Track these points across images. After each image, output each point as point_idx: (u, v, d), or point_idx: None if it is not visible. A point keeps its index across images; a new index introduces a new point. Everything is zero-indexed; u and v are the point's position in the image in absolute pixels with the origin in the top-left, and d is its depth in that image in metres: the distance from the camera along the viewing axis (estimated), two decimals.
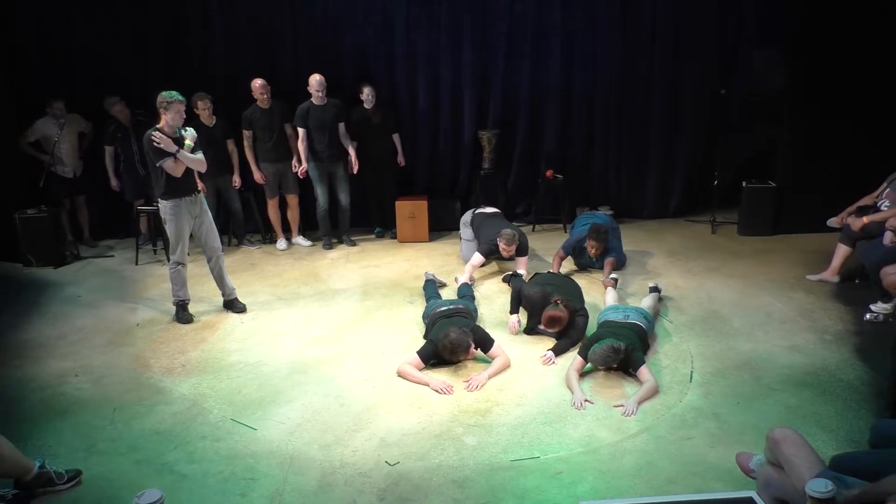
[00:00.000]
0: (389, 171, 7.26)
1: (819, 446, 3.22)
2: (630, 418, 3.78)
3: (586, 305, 4.95)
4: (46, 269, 6.56)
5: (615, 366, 4.17)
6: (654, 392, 4.01)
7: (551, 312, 4.60)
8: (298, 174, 6.92)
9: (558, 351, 4.52)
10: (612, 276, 5.64)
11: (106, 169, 6.97)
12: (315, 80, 6.67)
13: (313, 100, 6.75)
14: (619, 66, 7.33)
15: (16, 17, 6.73)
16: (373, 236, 7.43)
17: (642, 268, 6.20)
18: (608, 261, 5.78)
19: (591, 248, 5.85)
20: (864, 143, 6.35)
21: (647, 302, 5.04)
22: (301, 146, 6.82)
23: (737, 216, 7.14)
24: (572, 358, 4.36)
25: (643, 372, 4.09)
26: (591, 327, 4.76)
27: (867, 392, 3.96)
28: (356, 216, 7.38)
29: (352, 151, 6.96)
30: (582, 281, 5.71)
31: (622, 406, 3.89)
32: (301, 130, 6.78)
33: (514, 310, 4.97)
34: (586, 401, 4.02)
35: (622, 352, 4.11)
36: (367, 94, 6.88)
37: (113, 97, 6.76)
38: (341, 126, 6.90)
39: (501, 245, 5.76)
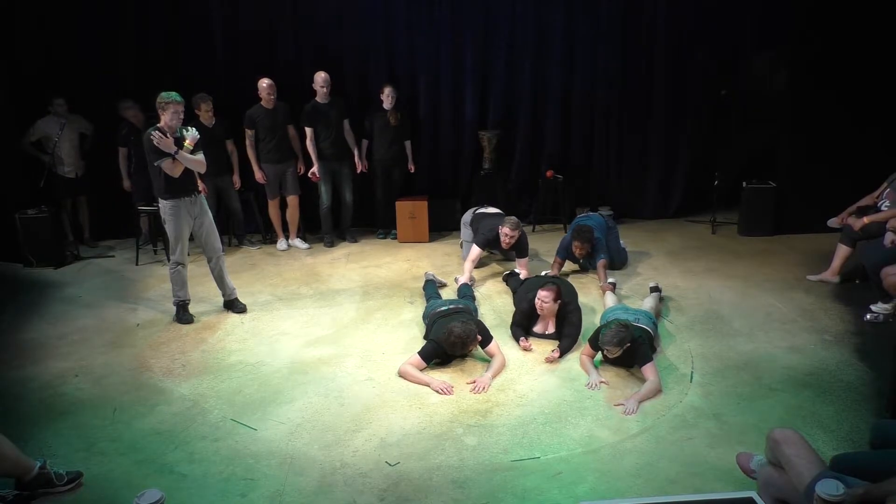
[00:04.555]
0: (400, 176, 7.27)
1: (819, 446, 3.22)
2: (630, 417, 3.78)
3: (583, 308, 4.94)
4: (47, 270, 6.57)
5: (628, 345, 4.13)
6: (656, 392, 4.01)
7: (545, 290, 4.62)
8: (310, 177, 6.92)
9: (563, 351, 4.52)
10: (610, 280, 5.63)
11: (116, 170, 6.96)
12: (320, 77, 6.69)
13: (318, 97, 6.77)
14: (619, 67, 7.35)
15: (16, 17, 6.73)
16: (374, 237, 7.43)
17: (642, 268, 6.20)
18: (601, 263, 5.75)
19: (576, 248, 5.80)
20: (864, 143, 6.36)
21: (648, 302, 5.04)
22: (310, 146, 6.83)
23: (737, 216, 7.15)
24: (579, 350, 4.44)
25: (648, 369, 4.10)
26: (595, 325, 4.77)
27: (867, 392, 3.96)
28: (360, 216, 7.39)
29: (355, 150, 6.98)
30: (579, 283, 5.72)
31: (622, 405, 3.90)
32: (309, 130, 6.80)
33: (517, 336, 4.76)
34: (602, 382, 4.11)
35: (632, 329, 4.13)
36: (387, 93, 6.88)
37: (127, 102, 6.76)
38: (346, 123, 6.91)
39: (505, 229, 5.71)
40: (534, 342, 4.73)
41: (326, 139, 6.85)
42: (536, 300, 4.66)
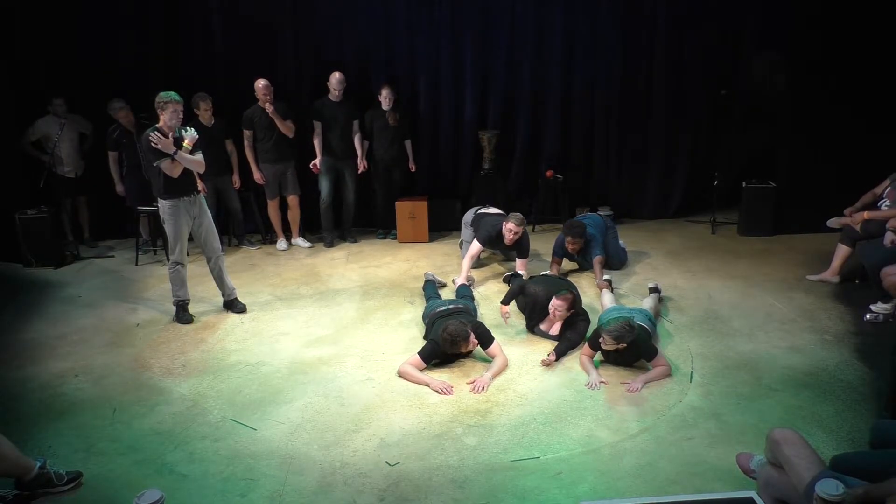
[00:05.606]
0: (400, 176, 7.27)
1: (819, 446, 3.22)
2: (630, 416, 3.79)
3: (584, 306, 4.95)
4: (46, 270, 6.56)
5: (624, 344, 4.14)
6: (665, 376, 4.16)
7: (560, 299, 4.61)
8: (311, 168, 6.94)
9: (559, 353, 4.50)
10: (606, 277, 5.63)
11: (109, 174, 6.90)
12: (335, 78, 6.75)
13: (330, 96, 6.81)
14: (619, 67, 7.34)
15: (17, 17, 6.72)
16: (374, 237, 7.43)
17: (642, 268, 6.20)
18: (596, 259, 5.74)
19: (569, 244, 5.79)
20: (864, 142, 6.35)
21: (647, 303, 5.04)
22: (316, 141, 6.87)
23: (737, 216, 7.15)
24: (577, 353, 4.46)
25: (658, 360, 4.22)
26: (592, 325, 4.76)
27: (867, 392, 3.96)
28: (360, 216, 7.40)
29: (359, 151, 6.99)
30: (577, 281, 5.73)
31: (628, 383, 4.06)
32: (317, 124, 6.84)
33: (506, 301, 4.98)
34: (601, 381, 4.14)
35: (635, 331, 4.15)
36: (385, 94, 6.88)
37: (118, 102, 6.67)
38: (355, 124, 6.94)
39: (510, 225, 5.68)
40: (536, 341, 4.75)
41: (334, 137, 6.88)
42: (550, 306, 4.68)
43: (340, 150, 6.95)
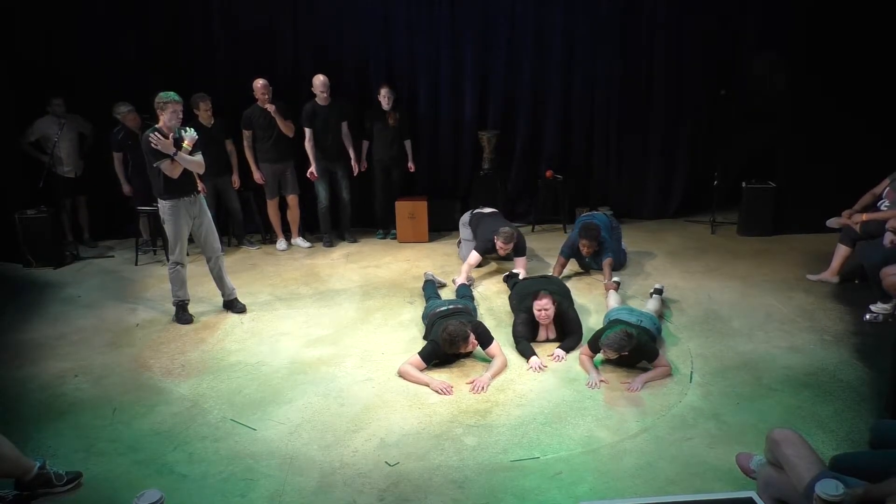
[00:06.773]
0: (399, 176, 7.27)
1: (819, 446, 3.22)
2: (630, 417, 3.79)
3: (585, 308, 4.94)
4: (46, 270, 6.56)
5: (626, 353, 4.16)
6: (665, 376, 4.18)
7: (541, 300, 4.57)
8: (308, 176, 6.93)
9: (569, 349, 4.53)
10: (615, 279, 5.62)
11: (109, 174, 6.89)
12: (319, 80, 6.71)
13: (318, 100, 6.79)
14: (619, 67, 7.34)
15: (17, 16, 6.72)
16: (374, 237, 7.43)
17: (642, 268, 6.20)
18: (606, 261, 5.72)
19: (584, 246, 5.76)
20: (864, 142, 6.35)
21: (651, 305, 5.02)
22: (308, 146, 6.85)
23: (737, 216, 7.15)
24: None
25: (660, 361, 4.24)
26: (597, 324, 4.76)
27: (867, 392, 3.96)
28: (360, 216, 7.39)
29: (352, 153, 6.99)
30: (582, 283, 5.72)
31: (628, 383, 4.07)
32: (308, 131, 6.81)
33: (530, 351, 4.53)
34: (602, 381, 4.16)
35: (634, 339, 4.15)
36: (384, 94, 6.88)
37: (125, 105, 6.68)
38: (344, 125, 6.93)
39: (499, 243, 5.76)
40: (538, 347, 4.64)
41: (324, 140, 6.87)
42: (536, 311, 4.60)
43: (333, 153, 6.95)
